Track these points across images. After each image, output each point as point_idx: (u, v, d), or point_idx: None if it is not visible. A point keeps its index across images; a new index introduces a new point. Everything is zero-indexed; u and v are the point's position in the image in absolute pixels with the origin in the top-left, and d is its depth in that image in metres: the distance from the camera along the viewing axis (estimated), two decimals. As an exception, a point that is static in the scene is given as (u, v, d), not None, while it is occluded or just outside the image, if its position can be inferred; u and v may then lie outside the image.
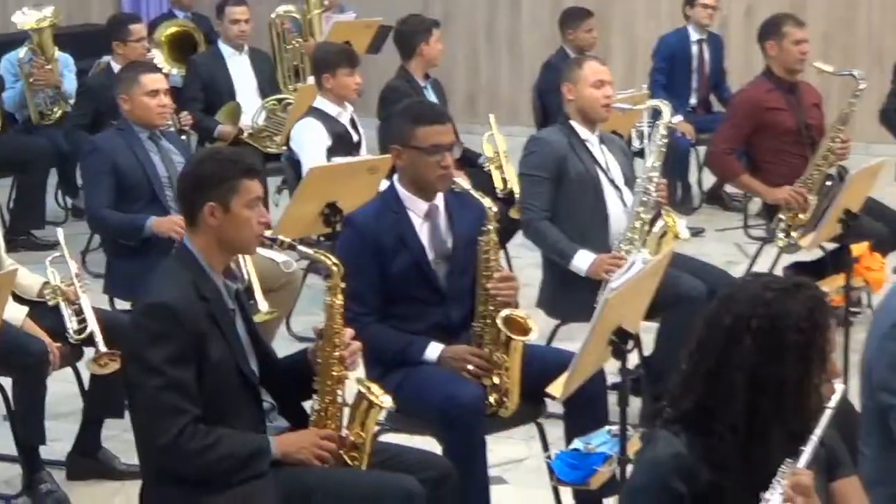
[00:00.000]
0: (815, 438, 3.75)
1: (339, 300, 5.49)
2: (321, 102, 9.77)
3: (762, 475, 3.73)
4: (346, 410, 5.51)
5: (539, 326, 7.20)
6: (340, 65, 9.76)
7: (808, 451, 3.73)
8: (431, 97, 10.48)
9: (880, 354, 4.70)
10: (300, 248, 5.68)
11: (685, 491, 3.75)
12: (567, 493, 6.39)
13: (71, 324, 7.03)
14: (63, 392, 7.55)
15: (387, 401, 5.48)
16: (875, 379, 4.69)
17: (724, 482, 3.75)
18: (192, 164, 5.72)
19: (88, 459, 7.34)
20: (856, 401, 4.94)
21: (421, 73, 10.86)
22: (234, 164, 5.44)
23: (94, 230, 9.07)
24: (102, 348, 6.87)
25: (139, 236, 7.95)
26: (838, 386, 3.90)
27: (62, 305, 7.09)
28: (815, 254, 9.15)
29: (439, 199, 6.46)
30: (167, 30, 13.22)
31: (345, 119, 9.80)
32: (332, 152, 9.45)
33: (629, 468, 5.52)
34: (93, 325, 6.97)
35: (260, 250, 6.12)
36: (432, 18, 11.26)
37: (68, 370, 7.35)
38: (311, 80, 11.51)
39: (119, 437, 7.38)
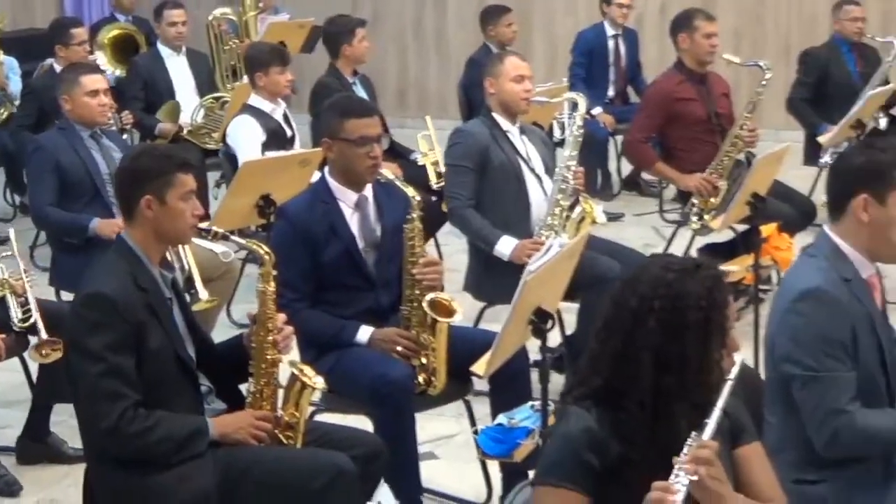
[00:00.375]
0: (717, 410, 3.76)
1: (272, 287, 5.50)
2: (255, 100, 9.76)
3: (669, 447, 3.72)
4: (281, 392, 5.51)
5: (466, 309, 7.26)
6: (272, 63, 9.75)
7: (711, 423, 3.73)
8: (361, 93, 10.48)
9: (783, 328, 4.74)
10: (233, 238, 5.71)
11: (597, 463, 3.76)
12: (494, 466, 6.41)
13: (16, 314, 7.00)
14: (12, 381, 7.58)
15: (319, 382, 5.49)
16: (778, 351, 4.74)
17: (632, 455, 3.75)
18: (128, 160, 5.69)
19: (38, 444, 7.31)
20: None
21: (349, 71, 10.86)
22: (168, 159, 5.45)
23: (39, 227, 9.02)
24: (44, 336, 6.84)
25: (83, 236, 7.93)
26: (737, 358, 3.92)
27: (9, 297, 7.08)
28: (728, 235, 9.20)
29: (368, 190, 6.47)
30: (110, 32, 13.15)
31: (278, 115, 9.78)
32: (266, 147, 9.44)
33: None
34: (36, 316, 6.94)
35: (200, 242, 6.14)
36: (358, 18, 11.25)
37: (16, 360, 7.33)
38: (246, 78, 11.52)
39: (67, 423, 7.32)
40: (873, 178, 4.74)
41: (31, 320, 6.94)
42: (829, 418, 4.60)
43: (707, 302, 3.75)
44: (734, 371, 3.85)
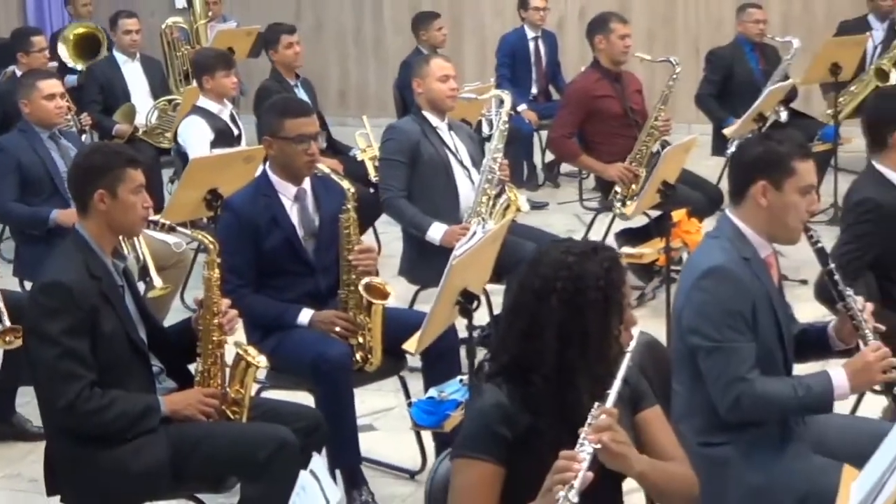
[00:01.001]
0: (618, 381, 3.76)
1: (216, 274, 5.51)
2: (203, 101, 9.73)
3: (574, 417, 3.74)
4: (228, 371, 5.51)
5: (402, 292, 7.28)
6: (217, 67, 9.72)
7: (612, 393, 3.73)
8: (302, 95, 10.46)
9: (689, 303, 4.77)
10: (179, 229, 5.72)
11: (508, 435, 3.77)
12: (428, 436, 6.43)
13: (-20, 305, 7.00)
14: (-21, 365, 7.52)
15: (262, 361, 5.52)
16: (685, 324, 4.77)
17: (540, 425, 3.76)
18: (81, 157, 5.69)
19: (4, 424, 7.30)
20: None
21: (290, 74, 10.84)
22: (118, 156, 5.45)
23: (2, 222, 8.96)
24: (7, 324, 6.80)
25: (44, 227, 7.91)
26: (635, 331, 3.93)
27: None
28: (643, 221, 9.24)
29: (307, 184, 6.46)
30: (76, 29, 13.09)
31: (225, 115, 9.76)
32: (214, 145, 9.40)
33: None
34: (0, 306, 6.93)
35: (153, 233, 6.13)
36: (288, 25, 11.18)
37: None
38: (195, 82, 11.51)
39: (31, 404, 7.25)
40: (771, 166, 4.79)
41: (-8, 310, 6.93)
42: (732, 385, 4.64)
43: (605, 282, 3.76)
44: (632, 344, 3.86)
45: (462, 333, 6.32)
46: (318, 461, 3.42)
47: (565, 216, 11.39)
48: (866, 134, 6.16)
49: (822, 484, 4.53)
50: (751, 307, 4.71)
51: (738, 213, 4.87)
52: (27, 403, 7.29)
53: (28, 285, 8.04)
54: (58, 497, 5.38)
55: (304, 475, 3.37)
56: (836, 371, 4.75)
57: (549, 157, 12.55)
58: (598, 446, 3.65)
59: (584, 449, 3.65)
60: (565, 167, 12.65)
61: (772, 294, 4.83)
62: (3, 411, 7.32)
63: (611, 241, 8.97)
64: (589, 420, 3.70)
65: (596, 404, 3.72)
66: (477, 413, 3.86)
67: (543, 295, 3.77)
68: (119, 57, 11.92)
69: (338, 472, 6.15)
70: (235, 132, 9.70)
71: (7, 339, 6.81)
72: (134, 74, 11.81)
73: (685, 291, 4.81)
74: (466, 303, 5.68)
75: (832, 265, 4.91)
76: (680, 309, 4.84)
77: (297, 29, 11.28)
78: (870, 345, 4.78)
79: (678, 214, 8.62)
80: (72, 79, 12.81)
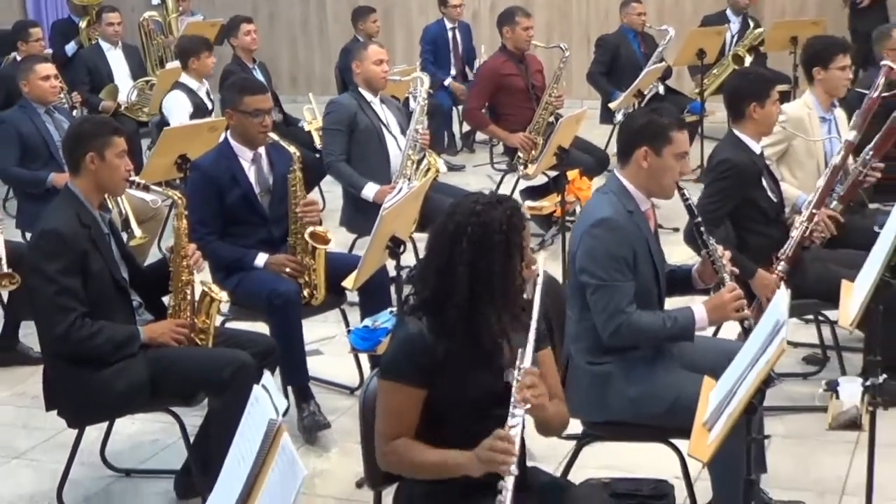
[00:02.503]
0: (532, 331, 3.74)
1: (184, 224, 5.53)
2: (186, 79, 9.67)
3: (482, 339, 3.77)
4: (195, 305, 5.52)
5: (343, 239, 7.27)
6: (202, 50, 9.69)
7: (529, 346, 3.72)
8: (259, 76, 10.40)
9: (581, 247, 4.78)
10: (153, 187, 5.71)
11: (427, 362, 3.76)
12: (364, 358, 6.48)
13: (-15, 252, 6.99)
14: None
15: (223, 296, 5.54)
16: (577, 265, 4.79)
17: (453, 347, 3.76)
18: (75, 126, 5.72)
19: (10, 352, 7.33)
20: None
21: (248, 58, 10.76)
22: (106, 125, 5.49)
23: (6, 184, 8.81)
24: (5, 269, 6.83)
25: (42, 187, 7.85)
26: (540, 269, 3.94)
27: None
28: (543, 180, 9.27)
29: (262, 149, 6.43)
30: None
31: (202, 93, 9.69)
32: (192, 116, 9.37)
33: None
34: (1, 253, 6.90)
35: (134, 192, 6.10)
36: (244, 16, 11.10)
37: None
38: (170, 65, 11.46)
39: (32, 335, 7.25)
40: (653, 135, 4.81)
41: (-3, 258, 6.91)
42: (613, 317, 4.67)
43: (507, 226, 3.76)
44: (538, 293, 3.83)
45: (391, 273, 6.34)
46: (269, 378, 3.42)
47: (479, 177, 11.38)
48: (728, 106, 6.19)
49: (688, 392, 4.54)
50: (632, 252, 4.74)
51: (624, 173, 4.89)
52: (29, 334, 7.28)
53: (29, 236, 8.02)
54: (55, 411, 5.38)
55: (256, 389, 3.37)
56: (698, 307, 4.80)
57: (466, 127, 12.56)
58: (528, 406, 3.67)
59: (517, 415, 3.65)
60: (479, 136, 12.65)
61: (650, 241, 4.86)
62: (8, 341, 7.34)
63: (516, 196, 8.99)
64: (515, 379, 3.68)
65: (519, 366, 3.69)
66: (401, 342, 3.84)
67: (456, 238, 3.76)
68: (104, 45, 11.82)
69: (290, 389, 6.17)
70: (209, 106, 9.63)
71: (3, 283, 6.81)
72: (116, 60, 11.69)
73: (578, 237, 4.83)
74: (395, 247, 5.70)
75: (698, 218, 4.96)
76: (574, 252, 4.86)
77: (254, 20, 11.23)
78: (726, 286, 4.82)
79: (572, 174, 8.68)
80: (71, 47, 12.76)
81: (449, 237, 3.79)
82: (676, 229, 9.23)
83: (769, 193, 6.05)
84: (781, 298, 3.77)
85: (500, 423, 3.70)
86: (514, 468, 3.57)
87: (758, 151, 6.07)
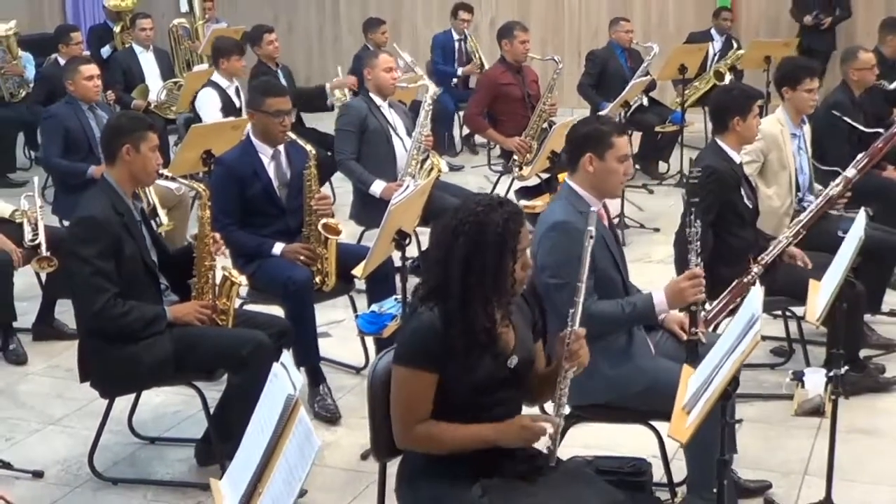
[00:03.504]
0: (579, 305, 3.90)
1: (207, 213, 5.53)
2: (217, 77, 9.66)
3: (473, 328, 3.75)
4: (216, 288, 5.51)
5: (351, 231, 7.26)
6: (234, 52, 9.67)
7: (578, 313, 3.90)
8: (282, 80, 10.40)
9: (540, 249, 4.72)
10: (179, 179, 5.73)
11: (438, 349, 3.74)
12: (370, 341, 6.43)
13: (27, 234, 7.00)
14: (27, 283, 7.53)
15: (242, 279, 5.51)
16: (539, 265, 4.67)
17: (457, 334, 3.75)
18: (113, 119, 5.73)
19: (47, 327, 7.34)
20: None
21: (271, 63, 10.74)
22: (142, 121, 5.51)
23: (49, 173, 8.74)
24: (44, 253, 6.84)
25: (81, 178, 7.85)
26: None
27: (25, 223, 7.03)
28: (536, 181, 9.25)
29: (281, 146, 6.42)
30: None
31: (231, 91, 9.66)
32: (222, 114, 9.38)
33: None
34: (41, 238, 6.92)
35: (161, 183, 6.11)
36: (266, 26, 11.06)
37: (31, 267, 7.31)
38: (196, 68, 11.48)
39: (67, 312, 7.28)
40: (596, 142, 4.77)
41: (37, 241, 6.90)
42: None
43: (502, 229, 3.74)
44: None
45: (397, 263, 6.35)
46: (287, 356, 3.43)
47: (476, 177, 11.37)
48: (712, 119, 6.18)
49: (663, 376, 4.62)
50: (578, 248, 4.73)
51: (574, 179, 4.86)
52: (65, 312, 7.30)
53: (65, 223, 8.02)
54: (88, 383, 5.39)
55: (276, 366, 3.38)
56: (658, 292, 4.79)
57: (467, 131, 12.56)
58: (577, 369, 3.87)
59: (567, 376, 3.87)
60: (478, 139, 12.67)
61: (605, 235, 4.81)
62: (46, 317, 7.35)
63: (511, 196, 8.99)
64: (566, 343, 3.86)
65: (568, 329, 3.87)
66: (414, 331, 3.81)
67: (455, 234, 3.75)
68: (136, 48, 11.88)
69: (302, 369, 6.17)
70: (238, 105, 9.59)
71: (42, 265, 6.84)
72: (148, 62, 11.73)
73: (537, 241, 4.75)
74: (401, 239, 5.70)
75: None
76: (534, 253, 4.81)
77: (274, 28, 11.21)
78: (686, 273, 4.80)
79: (563, 176, 8.62)
80: (106, 50, 12.80)
81: (449, 233, 3.78)
82: (657, 229, 9.31)
83: (746, 200, 6.08)
84: (756, 295, 3.78)
85: (505, 404, 3.73)
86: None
87: (738, 161, 6.09)
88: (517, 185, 9.41)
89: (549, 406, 4.56)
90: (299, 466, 2.96)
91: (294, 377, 3.23)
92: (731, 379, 3.60)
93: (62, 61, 10.84)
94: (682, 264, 5.52)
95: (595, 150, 4.78)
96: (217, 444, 5.36)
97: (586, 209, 4.79)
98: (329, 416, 6.08)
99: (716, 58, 12.20)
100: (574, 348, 3.88)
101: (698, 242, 4.91)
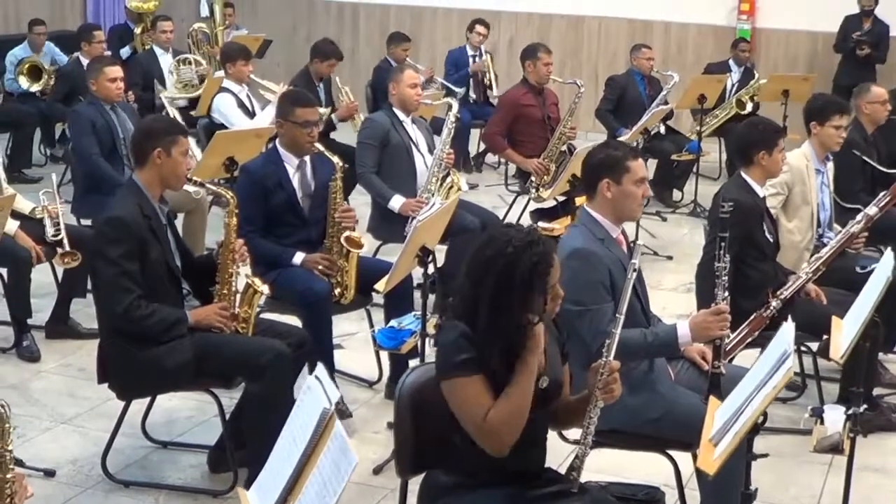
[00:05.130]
0: (617, 334, 3.92)
1: (234, 221, 5.53)
2: (227, 83, 9.68)
3: (497, 347, 3.75)
4: (238, 296, 5.51)
5: (368, 244, 7.26)
6: (238, 58, 9.66)
7: (612, 349, 3.92)
8: (321, 93, 10.50)
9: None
10: (208, 185, 5.74)
11: (475, 355, 3.73)
12: (384, 354, 6.46)
13: (49, 230, 7.02)
14: (42, 280, 7.51)
15: (265, 289, 5.51)
16: None
17: (479, 348, 3.75)
18: (147, 122, 5.76)
19: (61, 325, 7.32)
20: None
21: (317, 79, 10.68)
22: (175, 125, 5.58)
23: (84, 167, 8.22)
24: (67, 248, 6.88)
25: (113, 185, 7.57)
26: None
27: (46, 219, 7.05)
28: (551, 203, 9.26)
29: (306, 157, 6.44)
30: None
31: (242, 95, 9.65)
32: (241, 111, 9.44)
33: (427, 340, 5.62)
34: (63, 234, 6.95)
35: (187, 187, 6.12)
36: (336, 52, 10.92)
37: (47, 265, 7.35)
38: (216, 74, 11.51)
39: (81, 311, 7.36)
40: (611, 167, 4.80)
41: (60, 236, 6.93)
42: (596, 338, 4.54)
43: (530, 273, 3.73)
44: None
45: (418, 280, 6.36)
46: (322, 369, 3.42)
47: (490, 196, 11.34)
48: (737, 153, 6.21)
49: (682, 405, 4.70)
50: (608, 273, 4.70)
51: (592, 205, 4.88)
52: (78, 311, 7.34)
53: (83, 223, 8.03)
54: (104, 384, 5.40)
55: (310, 378, 3.38)
56: (682, 323, 4.79)
57: (475, 149, 12.65)
58: (609, 398, 3.92)
59: (598, 405, 3.92)
60: (489, 158, 12.71)
61: (623, 261, 4.78)
62: (61, 316, 7.34)
63: (526, 217, 9.01)
64: (600, 376, 3.88)
65: (603, 360, 3.89)
66: (448, 346, 3.79)
67: (486, 270, 3.75)
68: (157, 50, 11.99)
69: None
70: (250, 107, 9.61)
71: (65, 259, 6.85)
72: (167, 64, 11.76)
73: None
74: (424, 256, 5.70)
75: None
76: None
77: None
78: (712, 308, 4.79)
79: (580, 200, 8.65)
80: (126, 51, 12.87)
81: (480, 267, 3.77)
82: (670, 257, 9.33)
83: (767, 234, 6.10)
84: (788, 331, 3.78)
85: (530, 426, 3.74)
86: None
87: (761, 195, 6.11)
88: (533, 206, 9.45)
89: (570, 433, 4.60)
90: (334, 481, 2.96)
91: (329, 391, 3.23)
92: (762, 412, 3.61)
93: (84, 60, 10.91)
94: (705, 297, 5.52)
95: (611, 175, 4.80)
96: (231, 452, 5.36)
97: (605, 235, 4.84)
98: (343, 416, 6.07)
99: (734, 89, 12.22)
100: (608, 381, 3.88)
101: (726, 277, 4.90)
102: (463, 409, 3.77)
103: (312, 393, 3.30)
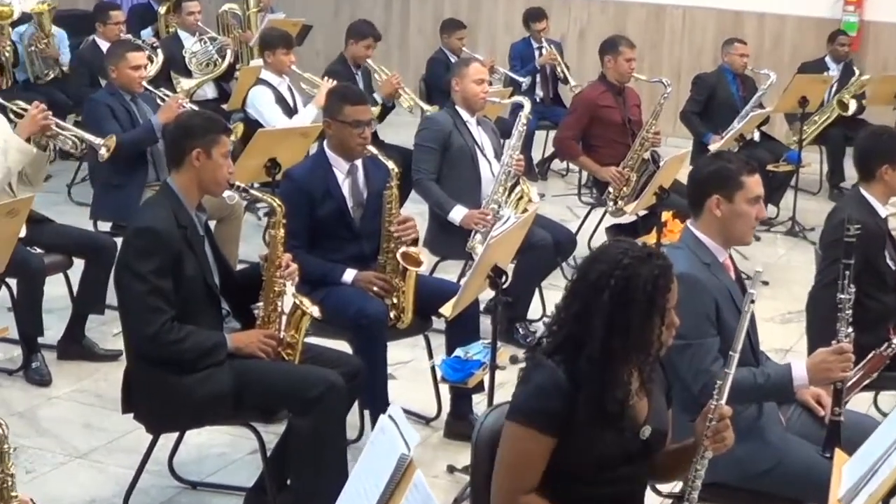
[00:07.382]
0: (729, 379, 3.86)
1: (281, 233, 5.49)
2: (265, 74, 9.66)
3: (610, 394, 3.70)
4: (284, 318, 5.46)
5: (425, 261, 7.21)
6: (279, 46, 9.65)
7: (725, 391, 3.85)
8: (361, 82, 10.44)
9: None
10: (251, 191, 5.72)
11: (562, 411, 3.68)
12: (444, 387, 6.40)
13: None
14: (54, 294, 7.46)
15: (315, 310, 5.46)
16: None
17: (583, 399, 3.69)
18: (184, 118, 5.70)
19: (75, 345, 7.31)
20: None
21: (354, 65, 10.71)
22: (217, 122, 5.49)
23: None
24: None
25: (154, 136, 7.98)
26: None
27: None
28: (629, 218, 9.19)
29: (358, 161, 6.41)
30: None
31: (283, 88, 9.64)
32: (279, 107, 9.42)
33: (497, 373, 5.57)
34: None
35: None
36: (372, 32, 11.00)
37: (61, 277, 7.36)
38: (252, 62, 11.56)
39: (98, 329, 7.37)
40: (723, 182, 4.78)
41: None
42: (699, 375, 4.59)
43: (652, 286, 3.68)
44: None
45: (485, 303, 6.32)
46: (397, 409, 3.36)
47: (558, 207, 11.28)
48: (857, 166, 6.13)
49: (793, 456, 4.65)
50: (714, 305, 4.67)
51: (697, 225, 4.86)
52: (94, 329, 7.34)
53: (101, 226, 8.04)
54: (130, 415, 5.36)
55: (383, 419, 3.32)
56: (798, 363, 4.75)
57: (540, 154, 12.57)
58: (721, 447, 3.86)
59: (704, 457, 3.86)
60: (556, 164, 12.64)
61: (731, 290, 4.79)
62: (75, 335, 7.34)
63: (601, 232, 8.95)
64: (709, 422, 3.83)
65: (713, 404, 3.83)
66: (538, 387, 3.74)
67: (598, 288, 3.69)
68: (182, 34, 12.03)
69: (366, 413, 6.13)
70: (291, 103, 9.60)
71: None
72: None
73: None
74: (496, 276, 5.64)
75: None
76: None
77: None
78: (833, 347, 4.75)
79: (665, 215, 8.61)
80: (147, 33, 13.01)
81: (590, 285, 3.72)
82: (766, 283, 9.23)
83: (889, 261, 6.01)
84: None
85: (627, 482, 3.66)
86: None
87: (883, 215, 6.03)
88: (609, 220, 9.38)
89: (665, 487, 4.53)
90: (414, 538, 2.91)
91: (407, 434, 3.18)
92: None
93: (101, 42, 10.94)
94: (820, 333, 5.44)
95: (722, 191, 4.76)
96: (274, 495, 5.32)
97: (712, 260, 4.79)
98: None
99: (833, 89, 12.10)
100: (719, 428, 3.83)
101: (850, 311, 4.83)
102: (508, 461, 3.75)
103: (386, 436, 3.24)
